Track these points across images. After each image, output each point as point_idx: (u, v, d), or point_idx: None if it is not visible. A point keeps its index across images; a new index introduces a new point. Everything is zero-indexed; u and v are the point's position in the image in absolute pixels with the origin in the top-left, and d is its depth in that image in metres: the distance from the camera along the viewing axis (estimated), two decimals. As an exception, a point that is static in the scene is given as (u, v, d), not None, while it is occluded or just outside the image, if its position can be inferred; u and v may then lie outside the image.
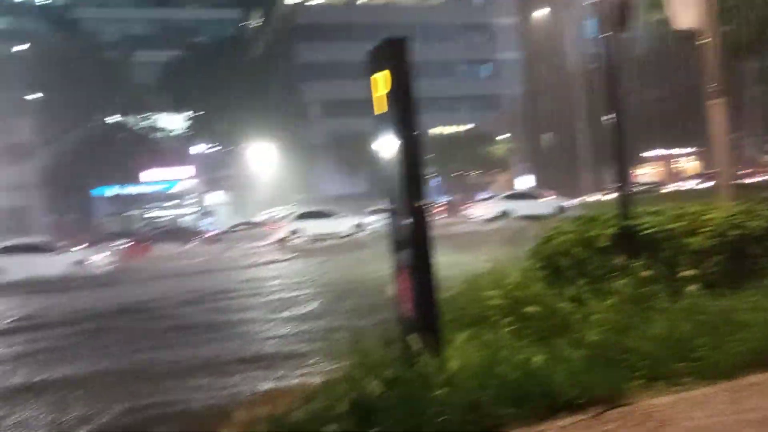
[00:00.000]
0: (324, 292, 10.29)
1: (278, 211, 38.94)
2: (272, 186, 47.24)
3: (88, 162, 43.54)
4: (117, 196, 48.62)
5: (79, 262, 21.21)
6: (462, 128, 51.93)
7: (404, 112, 3.87)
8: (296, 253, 21.55)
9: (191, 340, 7.44)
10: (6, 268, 19.84)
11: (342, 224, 28.43)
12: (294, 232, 28.63)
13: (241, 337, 7.46)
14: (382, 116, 3.97)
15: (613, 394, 3.56)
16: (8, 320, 10.89)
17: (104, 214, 47.87)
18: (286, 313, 8.63)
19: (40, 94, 46.03)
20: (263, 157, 46.38)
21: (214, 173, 51.10)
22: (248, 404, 3.60)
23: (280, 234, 29.03)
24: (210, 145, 51.68)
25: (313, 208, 31.32)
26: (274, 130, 45.36)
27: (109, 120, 47.73)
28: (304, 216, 29.75)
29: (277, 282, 13.15)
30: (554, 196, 30.45)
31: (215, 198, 52.58)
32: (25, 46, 47.43)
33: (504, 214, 28.11)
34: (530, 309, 4.44)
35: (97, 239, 34.31)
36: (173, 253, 29.33)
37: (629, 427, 3.27)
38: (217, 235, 35.96)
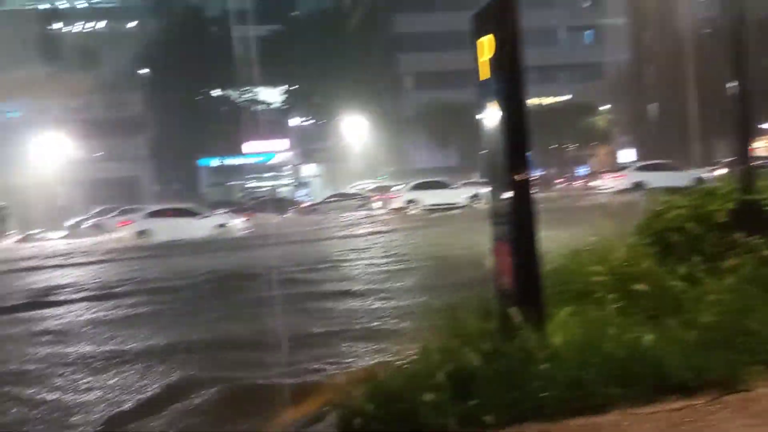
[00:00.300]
0: (432, 262, 10.23)
1: (368, 184, 39.50)
2: (364, 158, 47.79)
3: (193, 134, 45.77)
4: (220, 167, 50.93)
5: (221, 226, 22.56)
6: (560, 99, 49.97)
7: (509, 78, 3.72)
8: (411, 223, 21.61)
9: (310, 307, 7.62)
10: (154, 231, 21.47)
11: (458, 195, 28.02)
12: (410, 202, 28.56)
13: (347, 306, 7.60)
14: (485, 83, 3.85)
15: (728, 379, 3.35)
16: (144, 281, 11.47)
17: (208, 184, 50.34)
18: (391, 284, 8.68)
19: (149, 70, 48.69)
20: (356, 129, 46.95)
21: (309, 145, 52.32)
22: (347, 374, 3.67)
23: (396, 204, 29.03)
24: (305, 118, 52.85)
25: (429, 179, 31.12)
26: (368, 102, 45.72)
27: (213, 93, 49.76)
28: (420, 186, 29.57)
29: (386, 251, 13.40)
30: (689, 169, 28.53)
31: (310, 170, 53.91)
32: (135, 24, 50.22)
33: (638, 186, 26.29)
34: (638, 286, 4.22)
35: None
36: (273, 222, 30.49)
37: (746, 415, 3.05)
38: (311, 205, 36.97)
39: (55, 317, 8.40)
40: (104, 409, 4.47)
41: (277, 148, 51.79)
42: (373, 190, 37.24)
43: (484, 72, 3.83)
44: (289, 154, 52.51)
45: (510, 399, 3.19)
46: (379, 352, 4.82)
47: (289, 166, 53.39)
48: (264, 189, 51.18)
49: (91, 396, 4.80)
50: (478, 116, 4.00)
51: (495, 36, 3.70)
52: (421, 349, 3.75)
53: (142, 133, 47.51)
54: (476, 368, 3.39)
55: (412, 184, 30.32)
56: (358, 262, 11.93)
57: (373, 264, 11.42)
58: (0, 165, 44.19)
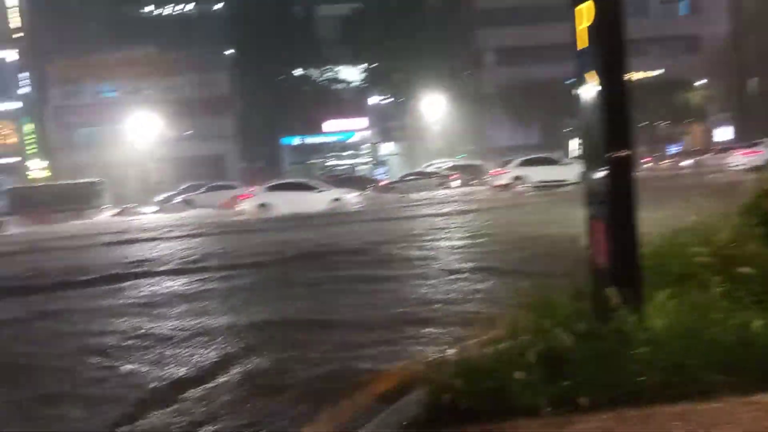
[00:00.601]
0: (530, 242, 9.94)
1: (446, 162, 39.16)
2: (442, 137, 47.39)
3: (276, 113, 46.88)
4: (301, 146, 51.96)
5: (336, 200, 23.21)
6: (652, 74, 47.49)
7: (609, 47, 3.54)
8: (516, 200, 21.31)
9: (394, 287, 7.67)
10: (274, 204, 22.33)
11: (569, 171, 27.10)
12: (517, 179, 27.94)
13: (441, 283, 7.59)
14: (582, 53, 3.67)
15: None
16: (263, 253, 11.72)
17: (290, 162, 51.53)
18: (488, 263, 8.56)
19: (235, 51, 50.07)
20: (435, 107, 46.55)
21: (388, 124, 52.41)
22: (436, 350, 3.66)
23: (503, 180, 28.44)
24: (384, 96, 52.92)
25: (538, 155, 30.30)
26: (448, 79, 45.20)
27: (296, 73, 50.60)
28: (528, 163, 28.71)
29: (483, 229, 13.33)
30: None
31: (388, 148, 54.07)
32: (222, 5, 51.63)
33: None
34: (744, 270, 3.95)
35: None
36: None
37: None
38: (389, 183, 37.11)
39: (188, 284, 8.88)
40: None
41: (356, 127, 52.24)
42: (450, 169, 36.95)
43: (582, 40, 3.65)
44: (368, 132, 52.85)
45: (605, 382, 3.08)
46: (468, 329, 4.76)
47: (367, 145, 53.78)
48: (343, 167, 51.85)
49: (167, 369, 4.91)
50: (573, 89, 3.83)
51: (594, 1, 3.52)
52: (512, 328, 3.68)
53: (229, 112, 49.03)
54: (569, 349, 3.29)
55: (519, 160, 29.25)
56: (451, 240, 11.86)
57: (470, 242, 11.33)
58: (97, 143, 47.09)
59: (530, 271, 6.94)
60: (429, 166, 38.27)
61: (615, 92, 3.56)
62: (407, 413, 3.34)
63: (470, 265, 8.64)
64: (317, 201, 23.00)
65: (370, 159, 53.16)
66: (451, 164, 38.48)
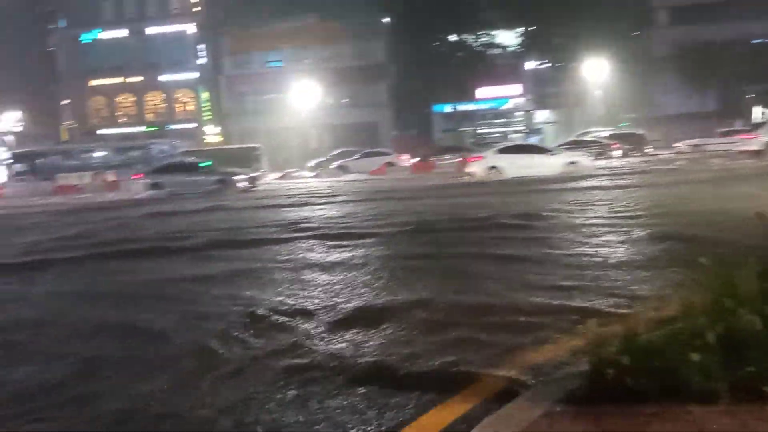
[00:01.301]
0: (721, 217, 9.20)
1: (604, 131, 36.91)
2: (602, 104, 44.59)
3: (429, 80, 46.87)
4: (453, 113, 51.63)
5: (571, 163, 22.75)
6: None
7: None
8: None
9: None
10: (504, 167, 22.57)
11: None
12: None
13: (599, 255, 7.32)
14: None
15: None
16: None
17: (441, 129, 51.52)
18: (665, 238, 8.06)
19: (390, 18, 50.56)
20: (596, 72, 43.79)
21: (543, 90, 50.31)
22: (602, 323, 3.49)
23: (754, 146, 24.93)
24: (541, 61, 50.74)
25: None
26: (612, 42, 42.17)
27: (450, 39, 50.06)
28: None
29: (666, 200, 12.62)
30: None
31: (543, 116, 52.06)
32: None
33: None
34: None
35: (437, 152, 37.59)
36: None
37: None
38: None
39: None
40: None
41: (510, 94, 50.76)
42: (610, 138, 34.89)
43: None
44: (522, 99, 51.17)
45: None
46: (637, 304, 4.50)
47: (521, 112, 52.15)
48: (495, 135, 50.85)
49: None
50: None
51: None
52: (687, 306, 3.39)
53: (383, 80, 49.93)
54: (757, 333, 2.97)
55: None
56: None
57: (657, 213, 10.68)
58: (263, 110, 50.35)
59: (711, 245, 6.44)
60: (584, 135, 36.29)
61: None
62: (567, 386, 3.24)
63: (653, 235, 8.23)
64: (551, 164, 22.17)
65: (524, 127, 51.53)
66: (609, 133, 36.28)
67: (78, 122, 55.11)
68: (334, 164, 36.01)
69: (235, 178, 25.54)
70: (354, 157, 36.59)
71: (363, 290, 6.16)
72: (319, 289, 6.35)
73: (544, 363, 3.82)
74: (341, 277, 6.87)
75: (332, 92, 49.09)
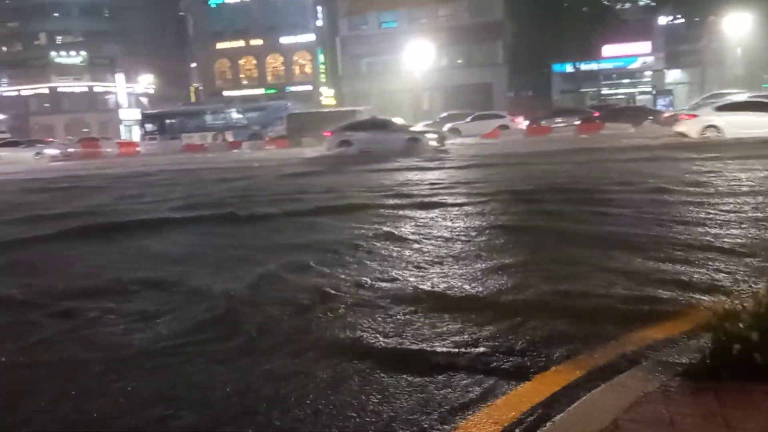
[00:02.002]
0: None
1: (741, 94, 33.35)
2: (743, 64, 40.42)
3: (550, 38, 44.68)
4: (574, 73, 49.09)
5: None
6: None
7: None
8: None
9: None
10: (723, 127, 19.95)
11: None
12: None
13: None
14: None
15: None
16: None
17: (559, 90, 49.26)
18: None
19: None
20: (738, 27, 39.61)
21: (676, 48, 46.47)
22: (730, 297, 3.16)
23: None
24: (675, 16, 46.77)
25: None
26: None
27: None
28: None
29: None
30: None
31: (673, 76, 48.26)
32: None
33: None
34: None
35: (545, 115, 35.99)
36: (624, 132, 28.56)
37: None
38: (672, 116, 33.17)
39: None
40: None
41: (639, 52, 47.36)
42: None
43: None
44: (651, 58, 47.61)
45: None
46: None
47: (649, 72, 48.61)
48: (620, 96, 47.86)
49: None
50: None
51: None
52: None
53: (500, 38, 48.24)
54: None
55: None
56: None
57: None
58: (377, 72, 50.51)
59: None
60: (712, 97, 33.05)
61: None
62: (687, 357, 3.06)
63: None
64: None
65: (652, 88, 48.04)
66: (745, 96, 32.68)
67: (204, 84, 58.21)
68: (446, 127, 35.42)
69: (428, 136, 25.16)
70: (466, 120, 35.90)
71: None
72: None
73: (664, 337, 3.62)
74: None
75: (446, 53, 48.24)
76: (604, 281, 4.79)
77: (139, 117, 48.43)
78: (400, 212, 8.81)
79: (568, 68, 48.91)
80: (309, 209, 9.55)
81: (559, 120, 34.32)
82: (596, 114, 35.46)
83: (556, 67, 48.94)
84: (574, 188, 10.54)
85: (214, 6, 56.38)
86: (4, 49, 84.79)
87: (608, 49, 47.20)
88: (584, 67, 48.25)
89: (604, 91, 49.23)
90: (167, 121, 44.46)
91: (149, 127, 44.10)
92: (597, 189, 10.17)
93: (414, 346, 3.74)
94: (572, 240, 6.41)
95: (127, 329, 4.32)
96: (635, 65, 48.21)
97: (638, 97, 46.76)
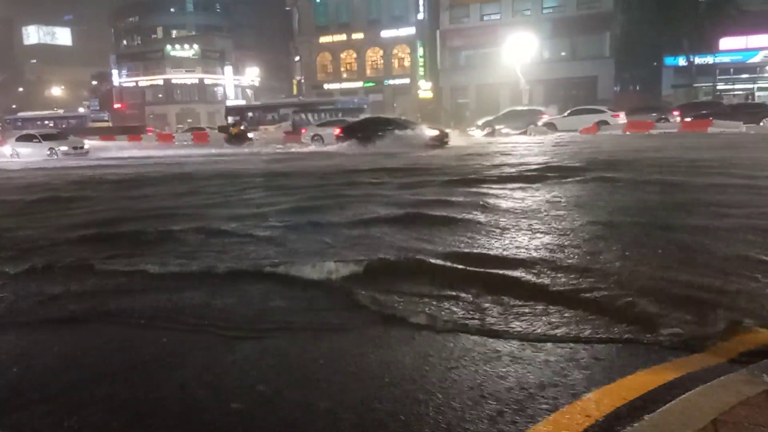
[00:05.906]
0: None
1: None
2: None
3: (662, 30, 42.38)
4: (687, 67, 46.24)
5: None
6: None
7: None
8: None
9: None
10: None
11: None
12: None
13: None
14: None
15: None
16: None
17: (670, 85, 46.64)
18: None
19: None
20: None
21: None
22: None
23: None
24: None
25: None
26: None
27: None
28: None
29: None
30: None
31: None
32: None
33: None
34: None
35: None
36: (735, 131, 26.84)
37: None
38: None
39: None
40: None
41: (761, 45, 43.88)
42: None
43: None
44: (777, 51, 43.98)
45: None
46: None
47: (774, 66, 44.95)
48: (736, 92, 44.68)
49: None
50: None
51: None
52: None
53: (608, 30, 46.25)
54: None
55: None
56: None
57: None
58: (476, 65, 49.94)
59: None
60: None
61: None
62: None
63: None
64: None
65: (773, 83, 44.43)
66: None
67: (306, 77, 59.91)
68: (542, 121, 34.43)
69: (427, 133, 25.03)
70: (564, 114, 34.87)
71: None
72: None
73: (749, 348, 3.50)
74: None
75: (550, 45, 46.96)
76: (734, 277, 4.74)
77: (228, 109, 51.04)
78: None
79: (681, 62, 46.18)
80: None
81: (656, 115, 33.32)
82: (675, 112, 33.93)
83: (668, 61, 46.31)
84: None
85: (319, 1, 57.80)
86: (125, 42, 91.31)
87: (726, 42, 44.08)
88: (698, 60, 45.34)
89: (720, 86, 46.09)
90: (249, 114, 46.97)
91: (231, 120, 46.25)
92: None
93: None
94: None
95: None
96: (755, 59, 44.70)
97: (757, 94, 43.47)
